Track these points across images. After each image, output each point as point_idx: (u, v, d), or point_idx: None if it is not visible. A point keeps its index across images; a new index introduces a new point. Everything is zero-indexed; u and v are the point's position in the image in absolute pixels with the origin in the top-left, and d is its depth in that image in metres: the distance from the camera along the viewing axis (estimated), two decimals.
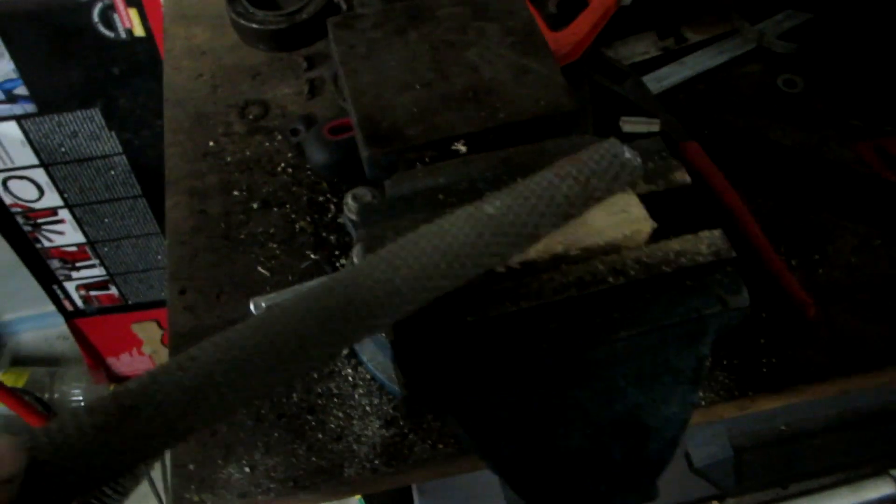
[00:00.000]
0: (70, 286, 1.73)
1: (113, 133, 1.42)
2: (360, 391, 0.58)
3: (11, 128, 1.39)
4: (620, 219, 0.35)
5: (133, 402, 0.28)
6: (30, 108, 1.37)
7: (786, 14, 0.78)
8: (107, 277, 1.71)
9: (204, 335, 0.59)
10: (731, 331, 0.36)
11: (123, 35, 1.29)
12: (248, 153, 0.69)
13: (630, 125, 0.67)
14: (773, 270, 0.61)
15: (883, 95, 0.73)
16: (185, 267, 0.63)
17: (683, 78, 0.74)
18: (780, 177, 0.68)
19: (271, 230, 0.65)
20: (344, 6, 0.77)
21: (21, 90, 1.34)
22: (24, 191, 1.50)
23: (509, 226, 0.32)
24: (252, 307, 0.55)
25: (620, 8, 0.73)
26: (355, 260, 0.42)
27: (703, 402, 0.58)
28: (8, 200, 1.51)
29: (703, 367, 0.35)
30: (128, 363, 1.93)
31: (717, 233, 0.36)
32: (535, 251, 0.34)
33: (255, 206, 0.66)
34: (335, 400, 0.57)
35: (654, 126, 0.67)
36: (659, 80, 0.73)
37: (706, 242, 0.35)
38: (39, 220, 1.56)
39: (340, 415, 0.57)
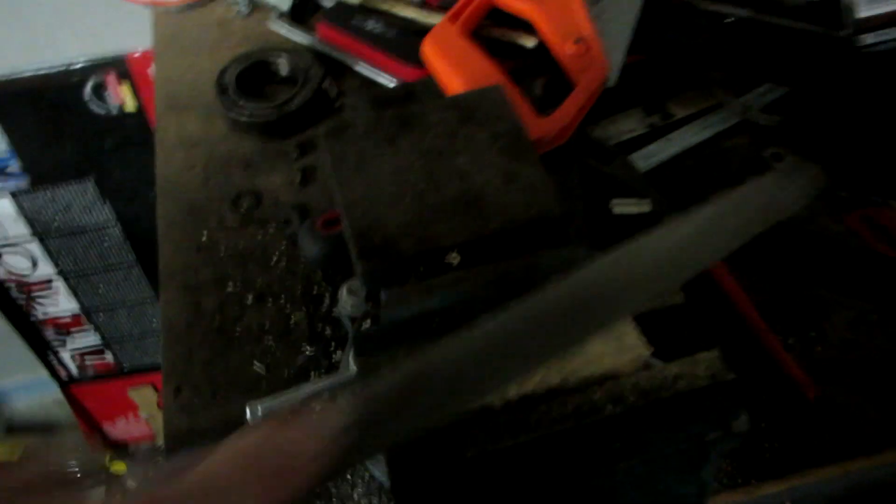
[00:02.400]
0: (65, 354, 1.72)
1: (106, 204, 1.42)
2: (360, 491, 0.57)
3: (4, 203, 1.40)
4: (616, 346, 0.36)
5: (423, 375, 0.32)
6: (23, 183, 1.38)
7: (768, 86, 0.79)
8: (102, 344, 1.71)
9: (200, 437, 0.60)
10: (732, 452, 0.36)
11: (115, 110, 1.31)
12: (241, 245, 0.69)
13: (621, 206, 0.68)
14: (772, 352, 0.61)
15: (869, 165, 0.74)
16: (181, 365, 0.63)
17: (671, 154, 0.75)
18: (772, 254, 0.68)
19: (266, 324, 0.65)
20: (333, 93, 0.79)
21: (14, 166, 1.35)
22: (17, 263, 1.50)
23: (691, 253, 0.37)
24: (248, 413, 0.54)
25: (606, 88, 0.74)
26: (351, 364, 0.42)
27: None
28: (1, 273, 1.51)
29: (705, 492, 0.35)
30: (124, 428, 1.91)
31: (713, 354, 0.36)
32: (532, 383, 0.34)
33: (249, 300, 0.66)
34: (333, 501, 0.57)
35: (644, 206, 0.68)
36: (647, 158, 0.74)
37: (703, 365, 0.36)
38: (34, 292, 1.56)
39: None
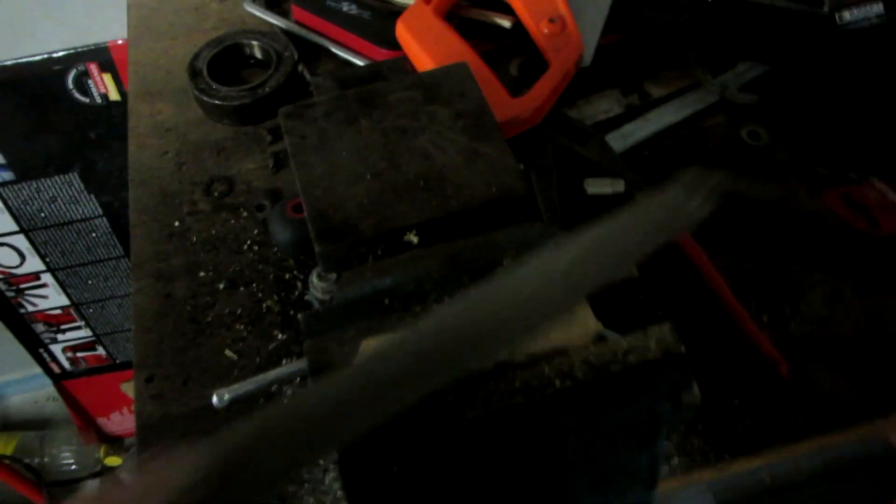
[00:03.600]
0: (56, 349, 1.72)
1: (92, 196, 1.42)
2: (332, 475, 0.57)
3: None
4: (566, 321, 0.35)
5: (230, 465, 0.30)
6: (7, 176, 1.37)
7: (746, 65, 0.78)
8: (93, 338, 1.70)
9: (172, 425, 0.59)
10: (683, 425, 0.36)
11: (99, 100, 1.30)
12: (213, 232, 0.69)
13: (595, 187, 0.67)
14: (744, 329, 0.61)
15: (846, 142, 0.73)
16: (152, 353, 0.63)
17: (648, 134, 0.74)
18: (747, 231, 0.68)
19: (238, 311, 0.64)
20: (308, 77, 0.78)
21: None
22: (5, 257, 1.50)
23: (580, 274, 0.34)
24: (215, 399, 0.54)
25: (582, 68, 0.74)
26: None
27: (679, 469, 0.57)
28: None
29: (657, 466, 0.34)
30: (118, 422, 1.91)
31: (665, 328, 0.35)
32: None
33: (221, 286, 0.66)
34: (306, 486, 0.56)
35: (618, 186, 0.67)
36: (624, 138, 0.74)
37: (654, 338, 0.35)
38: (22, 286, 1.56)
39: (312, 501, 0.56)
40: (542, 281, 0.33)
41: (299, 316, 0.39)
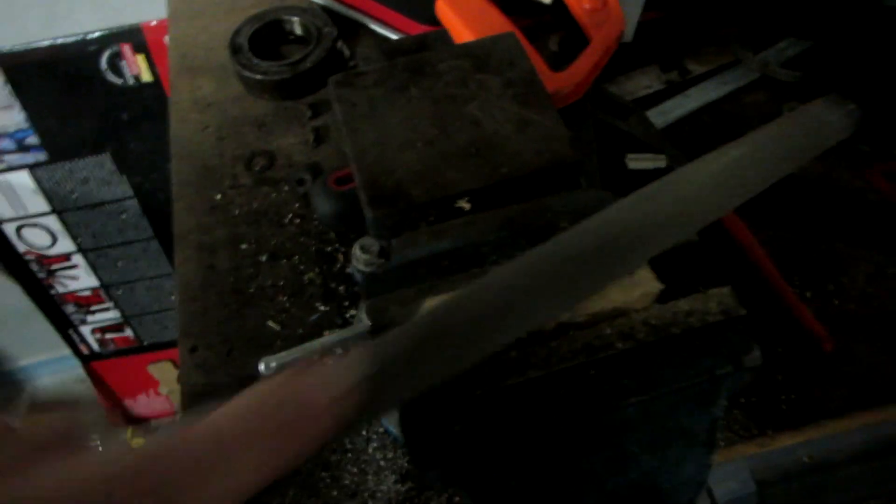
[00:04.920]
0: (85, 330, 1.74)
1: (124, 177, 1.43)
2: (374, 445, 0.58)
3: (23, 177, 1.41)
4: (627, 282, 0.35)
5: (443, 324, 0.31)
6: (41, 156, 1.39)
7: (788, 42, 0.77)
8: (122, 320, 1.73)
9: (217, 394, 0.60)
10: (744, 388, 0.36)
11: (131, 81, 1.31)
12: (255, 205, 0.70)
13: (636, 162, 0.67)
14: (788, 304, 0.61)
15: (889, 119, 0.72)
16: (196, 324, 0.64)
17: (688, 110, 0.74)
18: (790, 207, 0.67)
19: (280, 283, 0.65)
20: (347, 53, 0.78)
21: (32, 139, 1.36)
22: (37, 238, 1.52)
23: (746, 170, 0.35)
24: (262, 367, 0.55)
25: (622, 44, 0.73)
26: (364, 319, 0.42)
27: (722, 443, 0.57)
28: (21, 248, 1.53)
29: (717, 429, 0.34)
30: (145, 404, 1.93)
31: (725, 290, 0.35)
32: None
33: (263, 258, 0.66)
34: (349, 455, 0.57)
35: (660, 162, 0.67)
36: (664, 114, 0.73)
37: (715, 301, 0.35)
38: (53, 267, 1.58)
39: (355, 470, 0.56)
40: (715, 175, 0.35)
41: (361, 277, 0.39)
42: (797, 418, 0.57)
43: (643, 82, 0.75)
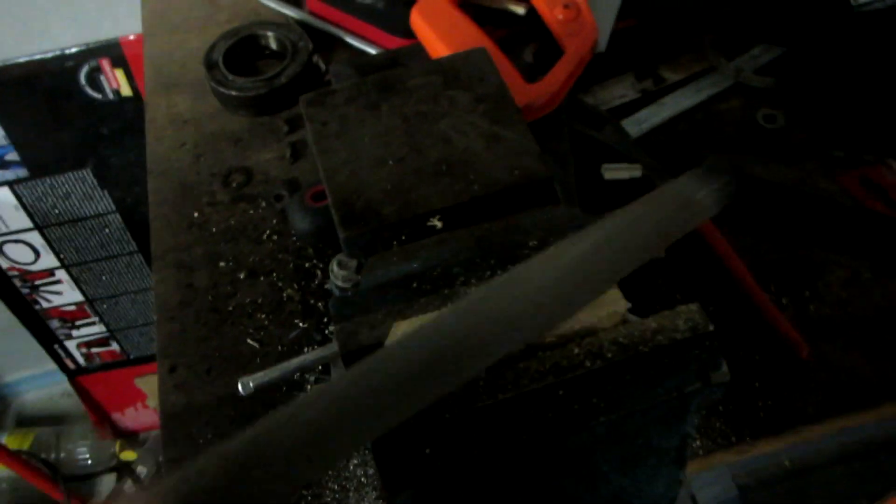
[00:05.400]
0: (71, 345, 1.73)
1: (105, 192, 1.43)
2: (355, 461, 0.57)
3: (4, 193, 1.40)
4: (595, 301, 0.35)
5: (242, 462, 0.28)
6: (22, 172, 1.38)
7: (761, 48, 0.78)
8: (107, 334, 1.72)
9: (196, 414, 0.60)
10: (716, 401, 0.36)
11: (111, 96, 1.31)
12: (232, 222, 0.69)
13: (611, 172, 0.67)
14: (764, 311, 0.61)
15: (863, 124, 0.73)
16: (175, 343, 0.63)
17: (664, 119, 0.74)
18: (765, 214, 0.68)
19: (259, 300, 0.65)
20: (323, 67, 0.78)
21: (12, 156, 1.36)
22: (20, 254, 1.51)
23: (606, 260, 0.33)
24: (240, 387, 0.54)
25: (597, 53, 0.73)
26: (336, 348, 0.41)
27: (701, 451, 0.57)
28: (4, 264, 1.52)
29: (687, 446, 0.35)
30: (133, 417, 1.92)
31: (693, 307, 0.36)
32: None
33: (241, 276, 0.66)
34: (330, 472, 0.57)
35: (635, 171, 0.67)
36: (639, 123, 0.74)
37: (683, 318, 0.35)
38: (37, 282, 1.57)
39: (336, 487, 0.56)
40: (561, 272, 0.32)
41: (329, 300, 0.39)
42: (775, 425, 0.57)
43: (618, 91, 0.76)
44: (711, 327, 0.35)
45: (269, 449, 0.28)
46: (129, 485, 1.75)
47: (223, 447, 0.28)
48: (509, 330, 0.31)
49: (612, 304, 0.36)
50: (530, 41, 0.78)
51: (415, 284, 0.39)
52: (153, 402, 1.88)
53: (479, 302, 0.32)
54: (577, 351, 0.34)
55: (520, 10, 0.77)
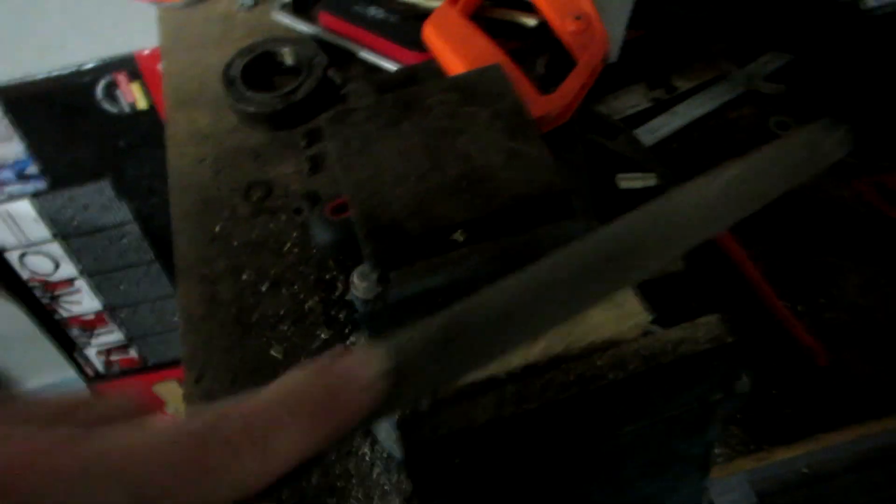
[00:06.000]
0: (90, 352, 1.76)
1: (123, 202, 1.45)
2: (378, 469, 0.59)
3: (25, 205, 1.42)
4: (617, 313, 0.36)
5: (458, 324, 0.33)
6: (41, 185, 1.40)
7: (771, 55, 0.79)
8: (126, 341, 1.74)
9: None
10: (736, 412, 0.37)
11: (127, 109, 1.33)
12: (254, 235, 0.71)
13: (626, 181, 0.68)
14: (780, 319, 0.62)
15: (876, 130, 0.74)
16: (201, 353, 0.65)
17: (676, 127, 0.75)
18: (779, 221, 0.68)
19: (281, 311, 0.66)
20: (339, 81, 0.80)
21: (32, 169, 1.38)
22: (40, 265, 1.53)
23: (750, 185, 0.37)
24: None
25: (608, 64, 0.74)
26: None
27: (720, 459, 0.58)
28: (25, 275, 1.55)
29: (711, 453, 0.35)
30: None
31: (713, 318, 0.37)
32: (536, 353, 0.35)
33: (264, 288, 0.67)
34: (354, 480, 0.58)
35: (650, 180, 0.68)
36: (652, 132, 0.74)
37: (703, 329, 0.36)
38: (57, 292, 1.59)
39: (360, 495, 0.57)
40: (714, 193, 0.36)
41: (358, 315, 0.40)
42: (793, 432, 0.58)
43: (630, 101, 0.77)
44: (731, 338, 0.36)
45: (470, 321, 0.33)
46: None
47: (435, 317, 0.34)
48: (670, 237, 0.36)
49: (636, 316, 0.37)
50: (542, 53, 0.79)
51: (440, 299, 0.40)
52: (172, 408, 1.90)
53: (639, 215, 0.36)
54: (601, 362, 0.35)
55: (531, 22, 0.78)
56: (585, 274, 0.34)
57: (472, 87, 0.54)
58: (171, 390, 1.88)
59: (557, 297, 0.34)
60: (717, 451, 0.58)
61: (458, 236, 0.46)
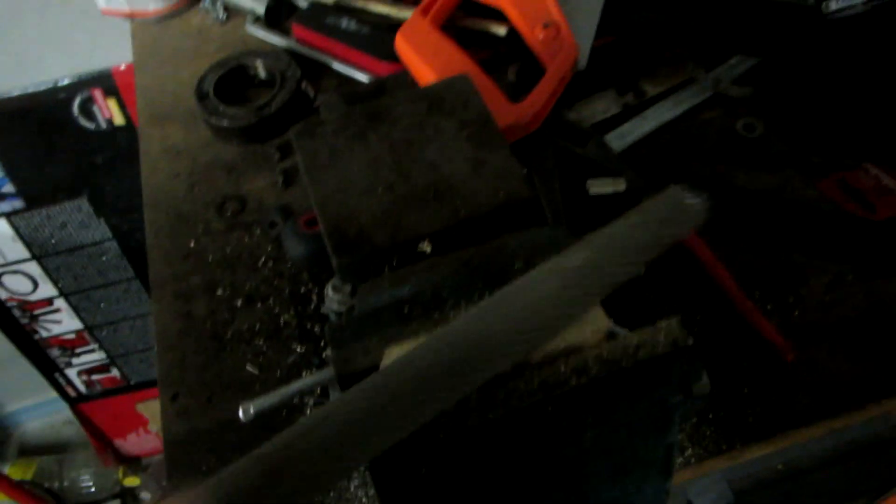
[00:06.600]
0: (71, 372, 1.74)
1: (101, 220, 1.44)
2: (356, 483, 0.59)
3: (1, 225, 1.41)
4: (580, 320, 0.37)
5: (274, 467, 0.31)
6: (18, 204, 1.39)
7: (737, 59, 0.80)
8: (107, 360, 1.72)
9: (199, 441, 0.61)
10: (703, 412, 0.37)
11: (104, 125, 1.32)
12: (228, 250, 0.71)
13: (596, 187, 0.69)
14: (749, 318, 0.62)
15: (839, 130, 0.75)
16: (176, 372, 0.65)
17: (646, 132, 0.76)
18: (747, 222, 0.69)
19: (256, 326, 0.66)
20: (312, 93, 0.80)
21: (8, 188, 1.37)
22: (18, 284, 1.52)
23: (592, 276, 0.35)
24: (241, 413, 0.56)
25: (578, 71, 0.75)
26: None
27: (693, 459, 0.58)
28: (3, 295, 1.53)
29: (672, 455, 0.36)
30: (135, 443, 1.92)
31: (673, 321, 0.37)
32: None
33: (239, 303, 0.67)
34: (332, 494, 0.58)
35: (619, 186, 0.69)
36: (622, 137, 0.75)
37: (663, 333, 0.37)
38: (36, 312, 1.58)
39: None
40: (556, 285, 0.34)
41: (325, 327, 0.40)
42: (765, 430, 0.59)
43: (600, 107, 0.77)
44: (691, 341, 0.36)
45: (299, 453, 0.31)
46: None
47: (256, 452, 0.32)
48: (498, 350, 0.33)
49: (596, 322, 0.37)
50: (512, 61, 0.80)
51: (406, 309, 0.40)
52: (155, 426, 1.89)
53: (470, 323, 0.34)
54: (563, 368, 0.36)
55: (501, 31, 0.79)
56: (415, 393, 0.32)
57: (440, 97, 0.54)
58: (154, 409, 1.86)
59: (387, 421, 0.32)
60: (689, 451, 0.58)
61: (425, 247, 0.46)
